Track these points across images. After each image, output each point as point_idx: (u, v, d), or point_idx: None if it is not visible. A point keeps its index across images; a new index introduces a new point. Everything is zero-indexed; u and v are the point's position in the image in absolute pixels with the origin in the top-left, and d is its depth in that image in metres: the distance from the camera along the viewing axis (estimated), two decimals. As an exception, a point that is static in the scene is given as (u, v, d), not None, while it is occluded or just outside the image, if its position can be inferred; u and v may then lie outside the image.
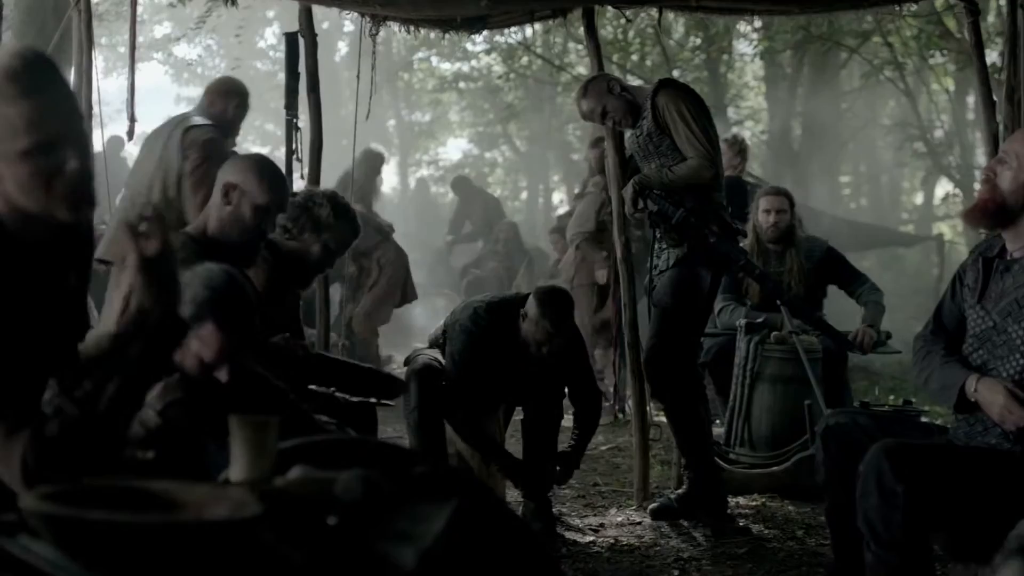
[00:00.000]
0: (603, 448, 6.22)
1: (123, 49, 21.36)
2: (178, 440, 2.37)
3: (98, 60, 5.14)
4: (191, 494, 1.69)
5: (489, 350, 4.39)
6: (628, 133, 4.82)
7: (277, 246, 3.94)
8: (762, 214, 5.77)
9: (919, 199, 21.77)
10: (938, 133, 15.77)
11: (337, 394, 3.77)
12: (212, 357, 2.55)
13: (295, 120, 4.84)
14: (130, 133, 5.23)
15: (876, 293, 5.81)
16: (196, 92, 28.22)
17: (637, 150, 4.74)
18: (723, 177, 4.76)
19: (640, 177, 4.60)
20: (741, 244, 5.06)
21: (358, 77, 5.04)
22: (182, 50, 21.70)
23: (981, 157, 16.42)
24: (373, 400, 3.85)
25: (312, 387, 3.75)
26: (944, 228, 17.76)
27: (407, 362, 4.66)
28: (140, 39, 20.91)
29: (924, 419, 6.00)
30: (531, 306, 4.33)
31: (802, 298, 5.58)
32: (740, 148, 7.37)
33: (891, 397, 8.33)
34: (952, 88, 15.43)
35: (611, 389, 6.75)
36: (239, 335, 2.59)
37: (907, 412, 5.49)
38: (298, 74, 4.84)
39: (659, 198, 4.57)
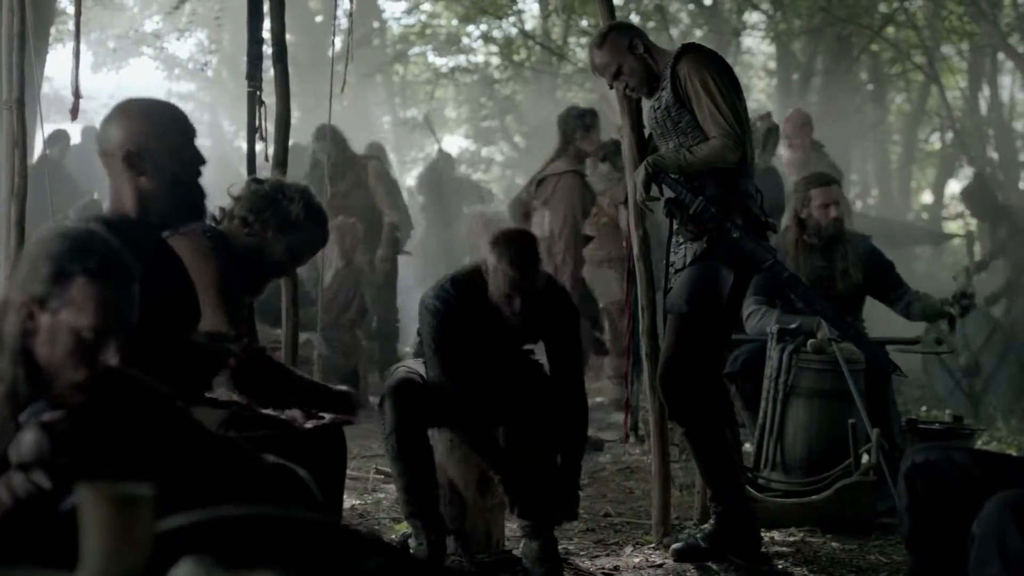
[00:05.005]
0: (614, 469, 5.55)
1: (112, 44, 20.84)
2: (45, 511, 1.69)
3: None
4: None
5: (464, 324, 3.79)
6: (647, 107, 4.16)
7: (229, 241, 3.27)
8: (818, 209, 5.11)
9: (927, 197, 21.17)
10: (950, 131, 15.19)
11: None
12: (93, 322, 1.87)
13: (259, 93, 4.16)
14: (74, 111, 4.62)
15: (926, 297, 5.20)
16: (188, 88, 27.67)
17: (655, 126, 4.07)
18: (753, 162, 4.09)
19: (654, 158, 3.94)
20: (772, 241, 4.40)
21: (332, 41, 4.36)
22: (172, 45, 21.08)
23: (993, 153, 15.84)
24: (326, 418, 3.15)
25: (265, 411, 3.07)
26: (954, 227, 17.11)
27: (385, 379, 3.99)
28: (130, 33, 20.10)
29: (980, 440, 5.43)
30: (489, 255, 3.76)
31: (846, 299, 4.96)
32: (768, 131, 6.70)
33: (923, 408, 7.71)
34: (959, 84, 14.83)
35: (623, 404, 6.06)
36: (122, 292, 1.91)
37: (961, 431, 4.88)
38: (262, 40, 4.16)
39: (675, 183, 3.92)
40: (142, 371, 2.07)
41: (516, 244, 3.76)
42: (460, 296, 3.81)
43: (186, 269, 2.80)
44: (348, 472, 5.04)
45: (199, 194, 2.74)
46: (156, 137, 2.64)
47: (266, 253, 3.33)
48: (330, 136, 7.23)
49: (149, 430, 1.92)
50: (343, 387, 3.34)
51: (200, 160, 2.72)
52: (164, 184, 2.64)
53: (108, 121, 2.69)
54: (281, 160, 4.08)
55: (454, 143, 22.91)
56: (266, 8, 4.22)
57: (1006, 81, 16.53)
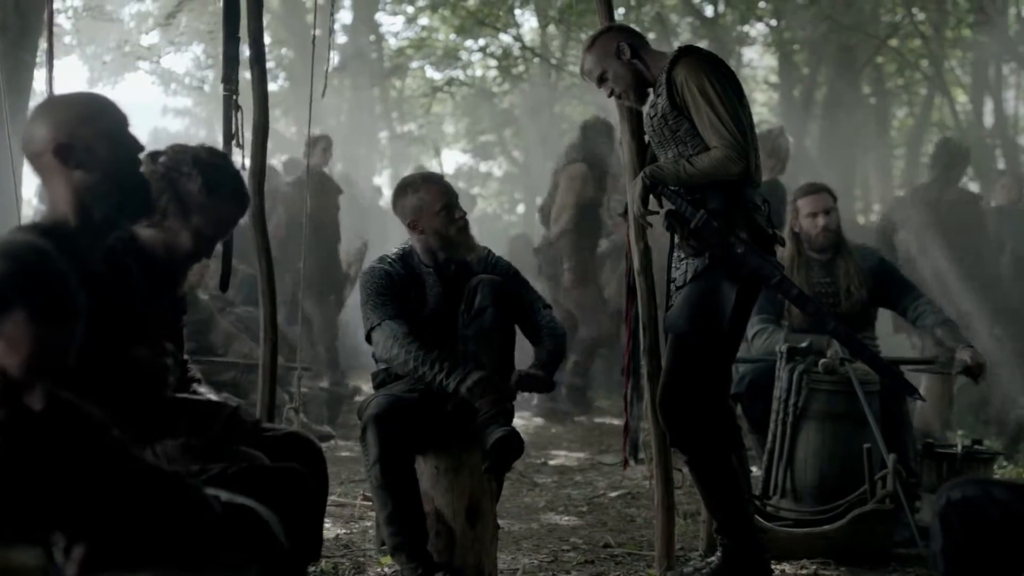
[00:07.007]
0: (612, 495, 5.30)
1: (109, 59, 20.65)
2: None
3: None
4: None
5: (406, 287, 3.85)
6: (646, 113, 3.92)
7: (136, 239, 2.89)
8: (806, 219, 4.88)
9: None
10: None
11: None
12: (22, 366, 1.67)
13: (235, 97, 3.90)
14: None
15: (939, 311, 4.89)
16: (185, 103, 27.54)
17: (652, 134, 3.81)
18: (759, 170, 3.83)
19: (652, 169, 3.67)
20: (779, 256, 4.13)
21: (312, 42, 4.12)
22: (168, 60, 20.92)
23: (1001, 166, 15.68)
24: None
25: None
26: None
27: (360, 413, 3.72)
28: (125, 47, 19.91)
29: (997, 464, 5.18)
30: (411, 198, 3.88)
31: (856, 315, 4.72)
32: (775, 146, 6.46)
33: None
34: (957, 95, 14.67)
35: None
36: (62, 336, 1.69)
37: (980, 455, 4.62)
38: (238, 39, 3.91)
39: (675, 196, 3.66)
40: (82, 394, 1.83)
41: (425, 174, 4.05)
42: (395, 263, 3.88)
43: (135, 280, 2.55)
44: (333, 499, 4.81)
45: (142, 185, 2.47)
46: (86, 124, 2.39)
47: (174, 245, 2.91)
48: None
49: (75, 466, 1.67)
50: (217, 398, 2.95)
51: (138, 147, 2.46)
52: (102, 176, 2.38)
53: (33, 121, 2.44)
54: (259, 169, 3.83)
55: (452, 158, 22.70)
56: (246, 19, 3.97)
57: (1009, 95, 16.38)
